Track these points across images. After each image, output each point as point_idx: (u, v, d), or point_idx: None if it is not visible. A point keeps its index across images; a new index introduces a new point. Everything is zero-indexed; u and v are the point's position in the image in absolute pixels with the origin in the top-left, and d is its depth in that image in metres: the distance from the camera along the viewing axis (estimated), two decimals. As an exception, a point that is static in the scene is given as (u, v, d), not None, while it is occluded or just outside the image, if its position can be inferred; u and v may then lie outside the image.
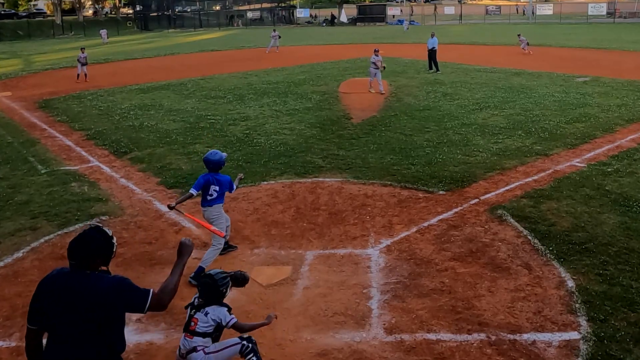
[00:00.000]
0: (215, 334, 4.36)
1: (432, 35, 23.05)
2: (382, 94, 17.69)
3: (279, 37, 34.37)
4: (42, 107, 17.39)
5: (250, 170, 10.18)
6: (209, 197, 6.34)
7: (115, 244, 3.31)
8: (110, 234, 3.30)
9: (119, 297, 3.17)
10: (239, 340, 4.43)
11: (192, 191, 6.35)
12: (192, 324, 4.31)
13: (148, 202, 8.81)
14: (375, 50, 18.40)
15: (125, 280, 3.24)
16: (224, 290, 4.44)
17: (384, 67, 18.48)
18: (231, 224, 7.75)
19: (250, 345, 4.42)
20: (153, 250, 7.07)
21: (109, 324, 3.20)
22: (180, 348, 4.37)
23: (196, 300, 4.45)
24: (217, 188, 6.33)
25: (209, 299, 4.37)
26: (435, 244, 6.99)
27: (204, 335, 4.29)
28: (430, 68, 22.99)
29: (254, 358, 4.40)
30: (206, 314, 4.31)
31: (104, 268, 3.27)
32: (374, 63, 18.00)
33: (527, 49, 29.13)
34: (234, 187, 6.56)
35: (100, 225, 3.29)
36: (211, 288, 4.37)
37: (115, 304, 3.17)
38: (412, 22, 62.45)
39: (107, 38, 49.22)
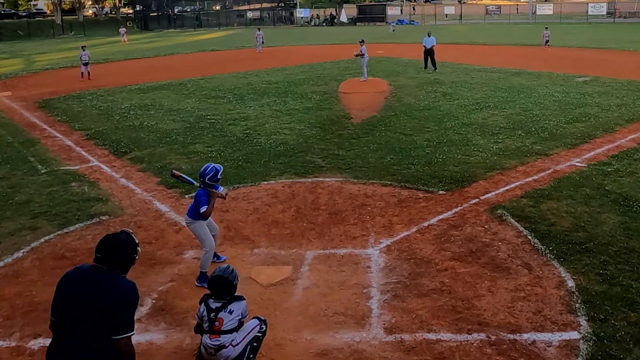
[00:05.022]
0: (239, 326, 4.57)
1: (429, 35, 23.08)
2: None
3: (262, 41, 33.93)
4: (42, 107, 17.38)
5: (250, 170, 10.19)
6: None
7: (139, 252, 3.49)
8: (137, 242, 3.48)
9: (125, 303, 3.31)
10: (258, 322, 4.73)
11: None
12: (217, 324, 4.45)
13: (148, 202, 8.80)
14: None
15: (137, 295, 3.38)
16: (236, 282, 4.63)
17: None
18: (231, 224, 7.78)
19: (265, 326, 4.76)
20: (153, 250, 7.07)
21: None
22: (205, 348, 4.51)
23: (212, 303, 4.56)
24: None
25: (228, 295, 4.56)
26: (435, 244, 6.98)
27: (230, 331, 4.48)
28: (426, 67, 23.04)
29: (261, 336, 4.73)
30: (231, 312, 4.49)
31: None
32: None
33: (547, 47, 30.24)
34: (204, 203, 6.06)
35: (131, 232, 3.54)
36: (227, 286, 4.57)
37: (121, 305, 3.29)
38: (412, 22, 62.44)
39: (125, 37, 49.11)
